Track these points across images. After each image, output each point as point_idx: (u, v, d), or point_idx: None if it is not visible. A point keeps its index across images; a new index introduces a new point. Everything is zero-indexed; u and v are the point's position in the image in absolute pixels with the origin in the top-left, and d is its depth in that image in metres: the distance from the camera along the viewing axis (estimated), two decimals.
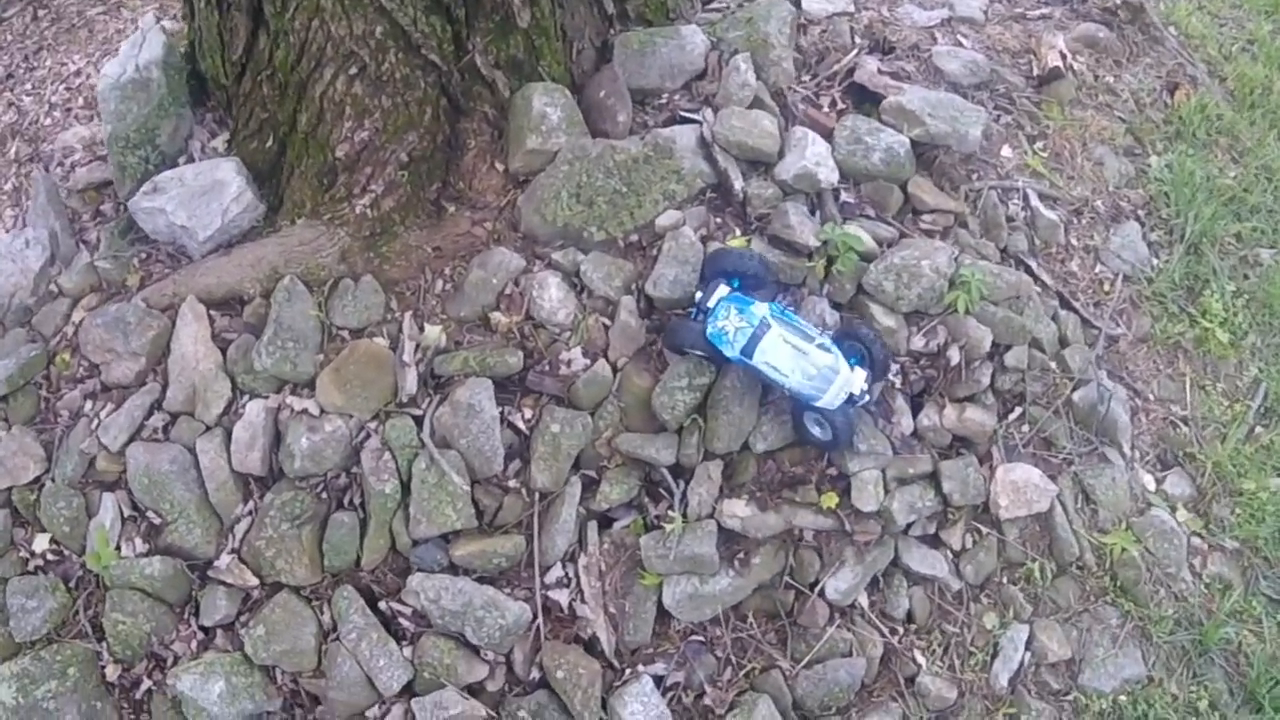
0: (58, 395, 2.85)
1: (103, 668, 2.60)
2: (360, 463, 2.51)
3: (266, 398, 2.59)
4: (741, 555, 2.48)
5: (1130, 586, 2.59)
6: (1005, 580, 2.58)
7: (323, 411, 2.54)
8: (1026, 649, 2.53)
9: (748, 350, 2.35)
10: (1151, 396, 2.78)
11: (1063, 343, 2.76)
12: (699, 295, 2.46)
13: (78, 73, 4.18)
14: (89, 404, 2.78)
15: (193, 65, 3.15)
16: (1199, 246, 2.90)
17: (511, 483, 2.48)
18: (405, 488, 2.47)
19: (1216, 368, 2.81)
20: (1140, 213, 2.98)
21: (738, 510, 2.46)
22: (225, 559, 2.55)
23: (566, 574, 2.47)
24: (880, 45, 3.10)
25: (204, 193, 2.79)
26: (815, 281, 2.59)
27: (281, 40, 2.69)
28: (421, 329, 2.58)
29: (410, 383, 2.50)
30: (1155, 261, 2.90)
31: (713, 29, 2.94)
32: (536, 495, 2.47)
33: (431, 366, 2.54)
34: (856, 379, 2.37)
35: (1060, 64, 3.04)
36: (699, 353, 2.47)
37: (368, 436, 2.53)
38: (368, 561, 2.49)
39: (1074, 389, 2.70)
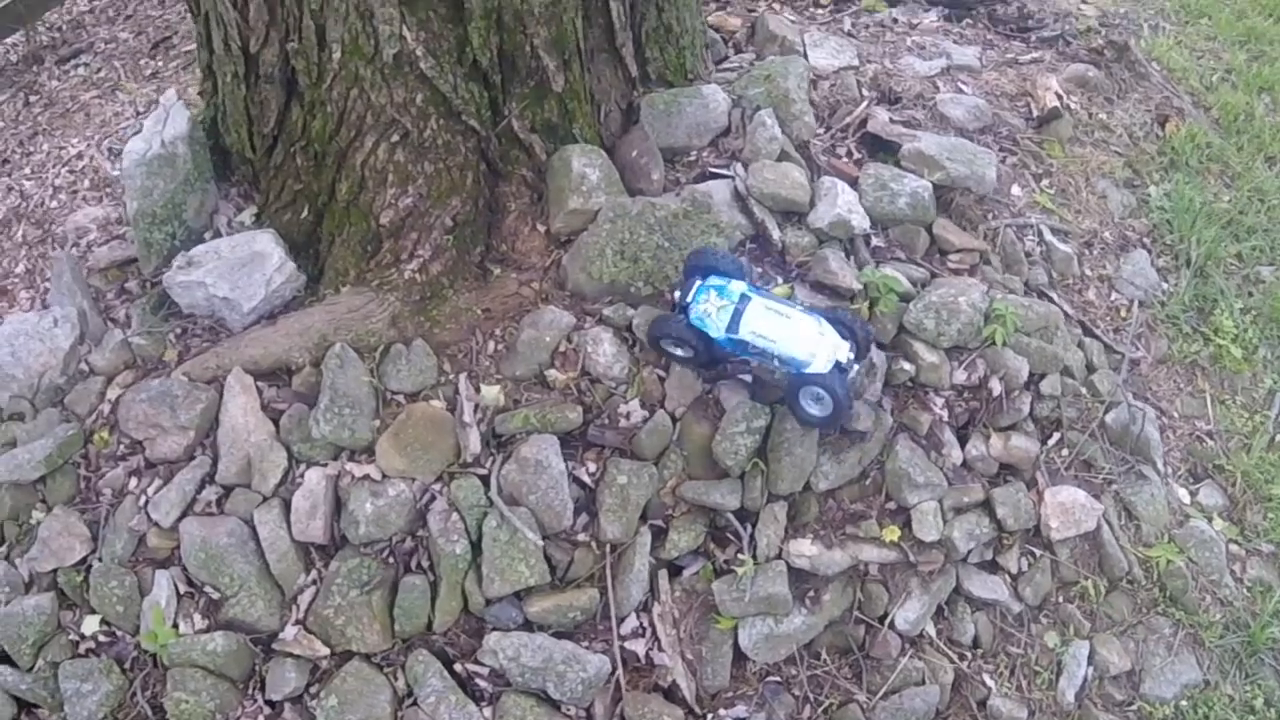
0: (98, 474, 2.80)
1: None
2: (426, 525, 2.51)
3: (325, 465, 2.58)
4: (812, 593, 2.52)
5: (1179, 596, 2.70)
6: (1061, 599, 2.67)
7: (384, 476, 2.54)
8: (1089, 664, 2.61)
9: (733, 326, 2.40)
10: (1176, 414, 2.92)
11: (1090, 368, 2.90)
12: (678, 295, 2.53)
13: (79, 155, 4.17)
14: (134, 481, 2.74)
15: (215, 140, 3.18)
16: (1204, 269, 3.08)
17: (581, 536, 2.51)
18: (475, 547, 2.47)
19: (1233, 382, 2.97)
20: (1146, 240, 3.15)
21: (804, 549, 2.52)
22: (291, 630, 2.52)
23: (641, 624, 2.48)
24: (887, 96, 3.26)
25: (243, 265, 2.80)
26: None
27: (318, 111, 2.74)
28: (478, 389, 2.61)
29: (474, 443, 2.51)
30: (1165, 286, 3.07)
31: (731, 87, 3.07)
32: (607, 547, 2.49)
33: (492, 426, 2.56)
34: (842, 347, 2.42)
35: (1058, 104, 3.23)
36: (680, 350, 2.51)
37: (433, 499, 2.53)
38: (440, 624, 2.48)
39: (1106, 411, 2.82)
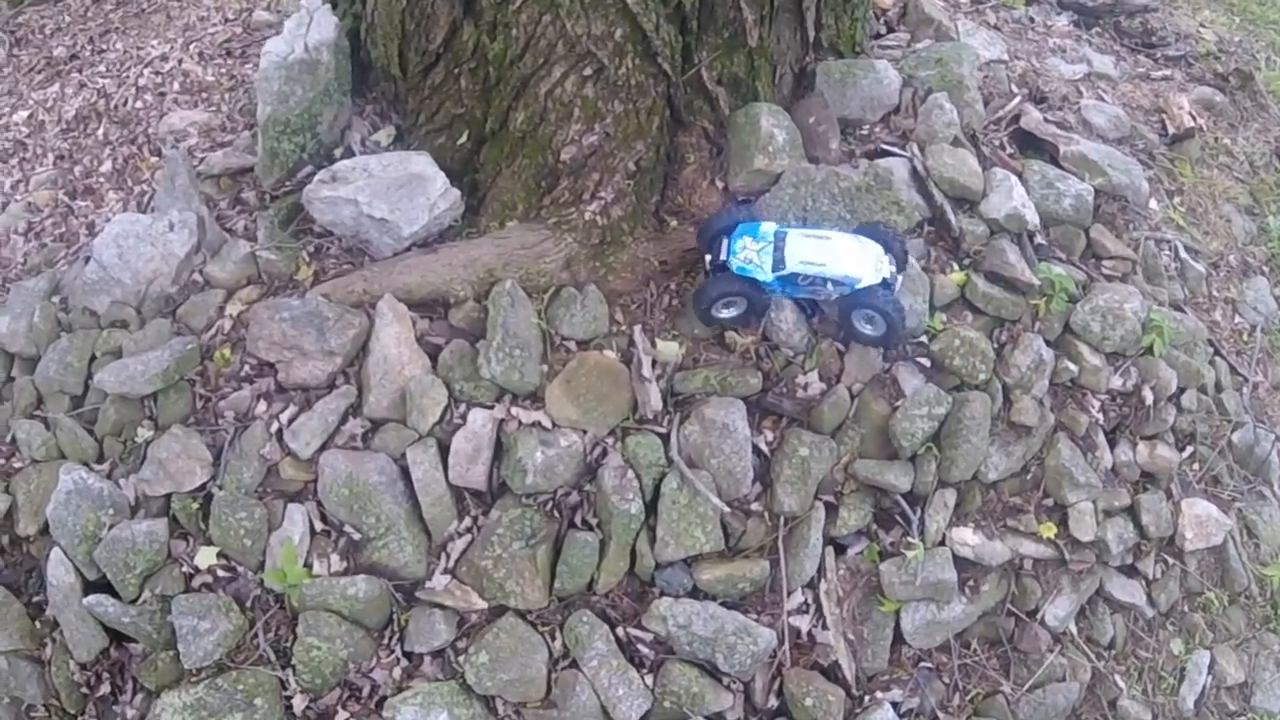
0: (218, 394, 2.60)
1: (288, 698, 2.37)
2: (596, 480, 2.40)
3: (491, 407, 2.44)
4: (971, 582, 2.53)
5: None
6: (1187, 608, 2.75)
7: (555, 425, 2.42)
8: (1208, 673, 2.69)
9: (779, 263, 2.38)
10: None
11: (1218, 388, 2.98)
12: (709, 259, 2.48)
13: (163, 58, 3.86)
14: (262, 405, 2.55)
15: (355, 52, 2.96)
16: None
17: (754, 505, 2.44)
18: (648, 508, 2.38)
19: None
20: (1265, 269, 3.26)
21: (967, 538, 2.51)
22: (441, 579, 2.38)
23: (806, 600, 2.44)
24: (1035, 94, 3.26)
25: (400, 186, 2.61)
26: (1029, 319, 2.69)
27: (499, 33, 2.57)
28: (653, 344, 2.51)
29: (655, 399, 2.41)
30: None
31: (899, 65, 3.02)
32: (781, 519, 2.44)
33: (671, 383, 2.47)
34: (884, 260, 2.43)
35: (1193, 124, 3.30)
36: (729, 311, 2.46)
37: (604, 453, 2.42)
38: (603, 584, 2.38)
39: (1233, 430, 2.91)
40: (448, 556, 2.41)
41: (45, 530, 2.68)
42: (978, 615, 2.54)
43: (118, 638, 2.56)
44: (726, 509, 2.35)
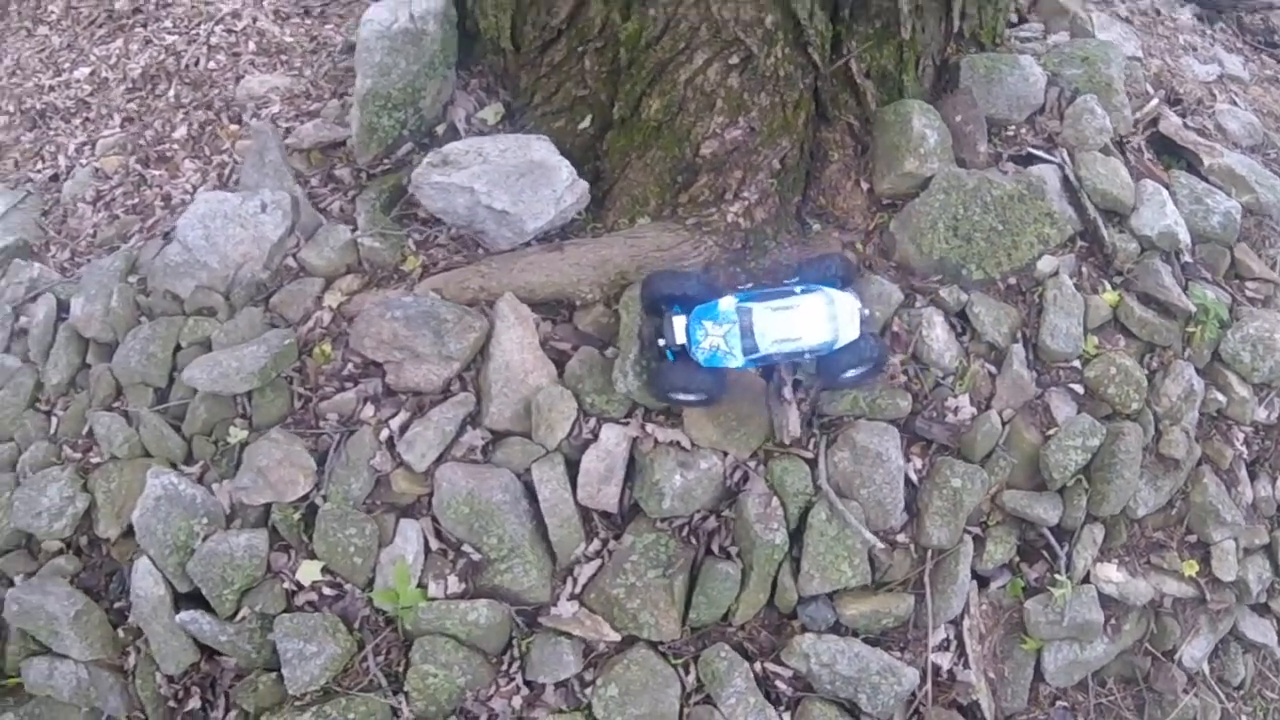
0: (319, 394, 2.41)
1: None
2: (736, 505, 2.26)
3: (624, 423, 2.28)
4: (1113, 621, 2.42)
5: None
6: None
7: (694, 445, 2.27)
8: None
9: (749, 347, 2.18)
10: None
11: None
12: (660, 340, 2.26)
13: (234, 14, 3.59)
14: (370, 409, 2.37)
15: (460, 20, 2.73)
16: None
17: (899, 537, 2.31)
18: (791, 538, 2.24)
19: None
20: None
21: (1111, 575, 2.40)
22: (568, 606, 2.24)
23: (948, 636, 2.32)
24: (1170, 96, 3.08)
25: (521, 174, 2.41)
26: (1179, 345, 2.54)
27: (634, 11, 2.36)
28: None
29: (793, 424, 2.26)
30: None
31: (1042, 61, 2.83)
32: (929, 552, 2.30)
33: (816, 404, 2.31)
34: (853, 303, 2.24)
35: None
36: (693, 396, 2.23)
37: (745, 477, 2.27)
38: (740, 617, 2.25)
39: None
40: (574, 582, 2.27)
41: (128, 533, 2.51)
42: (1116, 654, 2.43)
43: (209, 651, 2.41)
44: (879, 544, 2.21)
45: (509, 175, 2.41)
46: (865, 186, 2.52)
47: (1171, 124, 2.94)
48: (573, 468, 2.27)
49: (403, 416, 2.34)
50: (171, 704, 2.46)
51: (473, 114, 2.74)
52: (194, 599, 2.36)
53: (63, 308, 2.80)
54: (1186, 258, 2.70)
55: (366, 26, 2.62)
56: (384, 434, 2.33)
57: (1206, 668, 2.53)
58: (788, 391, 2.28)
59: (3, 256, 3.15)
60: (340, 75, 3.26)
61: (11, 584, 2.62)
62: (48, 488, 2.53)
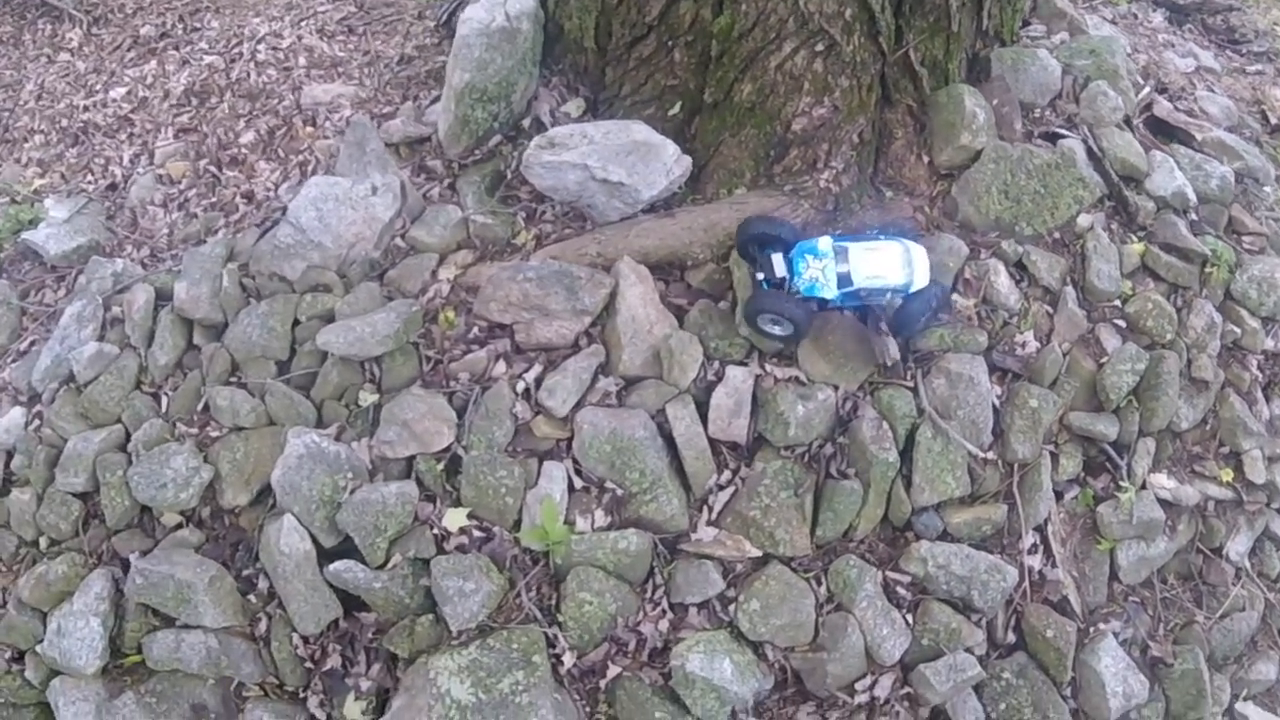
0: (448, 355, 2.57)
1: (556, 655, 2.36)
2: (849, 431, 2.50)
3: (746, 364, 2.51)
4: (1170, 523, 2.74)
5: None
6: None
7: (810, 380, 2.51)
8: None
9: (845, 281, 2.42)
10: None
11: None
12: (759, 274, 2.49)
13: (276, 34, 3.78)
14: (501, 365, 2.55)
15: (543, 24, 2.99)
16: None
17: (989, 454, 2.58)
18: (900, 457, 2.49)
19: None
20: None
21: (1164, 483, 2.73)
22: (709, 531, 2.43)
23: (1035, 541, 2.59)
24: (1158, 85, 3.55)
25: (629, 152, 2.66)
26: (1198, 285, 2.93)
27: (727, 8, 2.67)
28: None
29: (892, 349, 2.53)
30: None
31: (1055, 54, 3.25)
32: (1015, 465, 2.59)
33: (909, 341, 2.59)
34: (924, 252, 2.49)
35: None
36: (779, 328, 2.45)
37: (855, 406, 2.53)
38: (861, 530, 2.48)
39: None
40: (710, 509, 2.46)
41: (257, 500, 2.60)
42: (1174, 552, 2.75)
43: (348, 608, 2.50)
44: (980, 454, 2.48)
45: (618, 153, 2.66)
46: (926, 159, 2.86)
47: (1164, 108, 3.39)
48: (700, 406, 2.49)
49: (536, 370, 2.52)
50: (309, 665, 2.53)
51: (556, 108, 2.99)
52: (336, 555, 2.45)
53: (160, 295, 2.89)
54: (1193, 215, 3.12)
55: (466, 25, 2.85)
56: (520, 386, 2.51)
57: (1248, 563, 2.87)
58: (885, 325, 2.56)
59: (76, 256, 3.21)
60: (403, 83, 3.47)
61: (125, 563, 2.66)
62: (170, 460, 2.60)
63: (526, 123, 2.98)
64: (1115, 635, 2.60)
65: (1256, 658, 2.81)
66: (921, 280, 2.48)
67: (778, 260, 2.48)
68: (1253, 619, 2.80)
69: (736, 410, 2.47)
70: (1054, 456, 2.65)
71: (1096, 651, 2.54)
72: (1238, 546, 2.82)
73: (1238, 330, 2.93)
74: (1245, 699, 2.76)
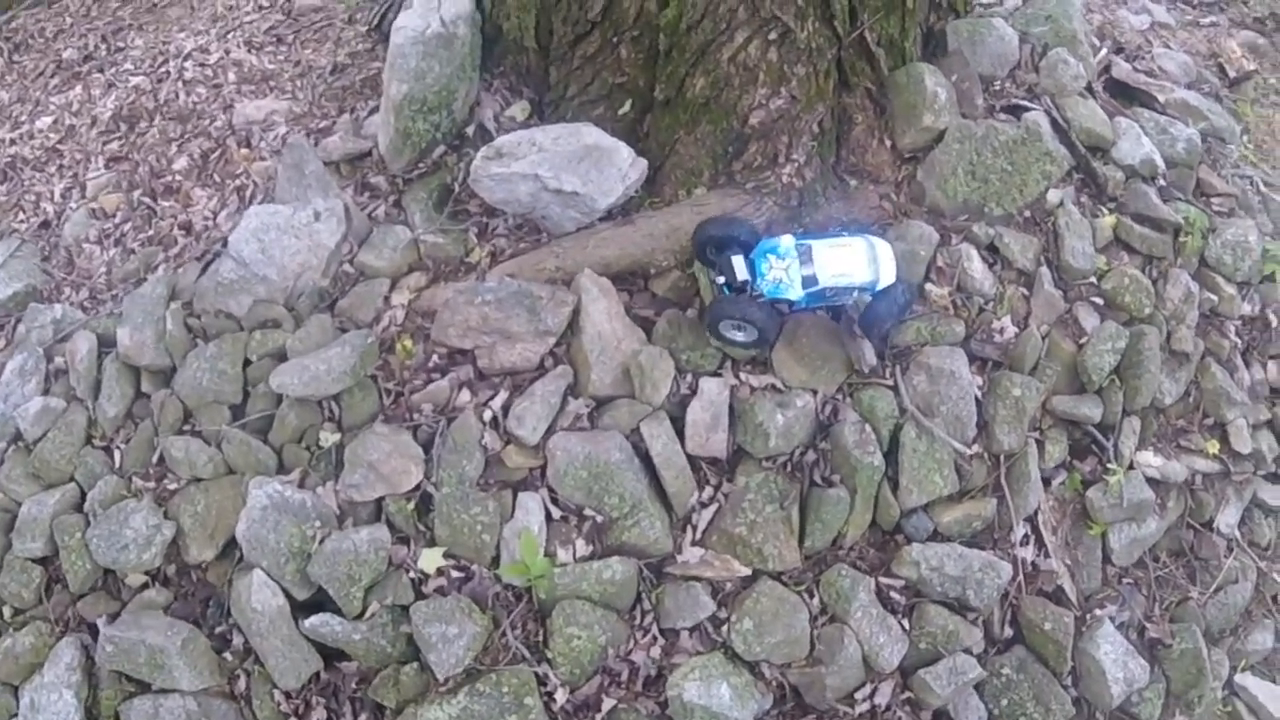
0: (409, 388, 2.46)
1: (548, 693, 2.29)
2: (830, 436, 2.43)
3: (721, 375, 2.42)
4: (1159, 501, 2.70)
5: None
6: None
7: (787, 386, 2.43)
8: None
9: (809, 279, 2.33)
10: None
11: None
12: (718, 279, 2.40)
13: (202, 50, 3.58)
14: (465, 394, 2.44)
15: (480, 26, 2.85)
16: None
17: (974, 447, 2.52)
18: (885, 459, 2.42)
19: None
20: None
21: (1151, 460, 2.69)
22: (694, 552, 2.35)
23: (1026, 532, 2.54)
24: (1115, 45, 3.47)
25: (581, 158, 2.54)
26: (1172, 255, 2.87)
27: (673, 1, 2.54)
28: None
29: (869, 354, 2.45)
30: None
31: (1010, 22, 3.15)
32: (1001, 457, 2.53)
33: (886, 338, 2.51)
34: (889, 247, 2.41)
35: (1252, 67, 3.59)
36: (741, 334, 2.37)
37: (835, 410, 2.45)
38: (850, 538, 2.41)
39: None
40: (694, 529, 2.39)
41: (223, 553, 2.49)
42: (1165, 530, 2.72)
43: (328, 659, 2.40)
44: (967, 450, 2.42)
45: (570, 160, 2.54)
46: (888, 143, 2.76)
47: (1123, 69, 3.32)
48: (676, 422, 2.40)
49: (502, 396, 2.42)
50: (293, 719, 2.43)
51: (500, 113, 2.85)
52: (312, 607, 2.36)
53: (103, 341, 2.74)
54: (1161, 181, 3.05)
55: (400, 33, 2.70)
56: (486, 415, 2.40)
57: (1239, 534, 2.85)
58: (859, 327, 2.48)
59: (13, 304, 3.05)
60: (338, 94, 3.31)
61: (93, 629, 2.54)
62: (129, 519, 2.48)
63: (470, 130, 2.84)
64: (1112, 620, 2.57)
65: (1252, 627, 2.80)
66: (888, 277, 2.39)
67: (738, 263, 2.38)
68: (1246, 589, 2.78)
69: (714, 424, 2.38)
70: (1039, 444, 2.60)
71: (1095, 639, 2.50)
72: (1228, 518, 2.79)
73: (1214, 297, 2.89)
74: (1244, 669, 2.75)
